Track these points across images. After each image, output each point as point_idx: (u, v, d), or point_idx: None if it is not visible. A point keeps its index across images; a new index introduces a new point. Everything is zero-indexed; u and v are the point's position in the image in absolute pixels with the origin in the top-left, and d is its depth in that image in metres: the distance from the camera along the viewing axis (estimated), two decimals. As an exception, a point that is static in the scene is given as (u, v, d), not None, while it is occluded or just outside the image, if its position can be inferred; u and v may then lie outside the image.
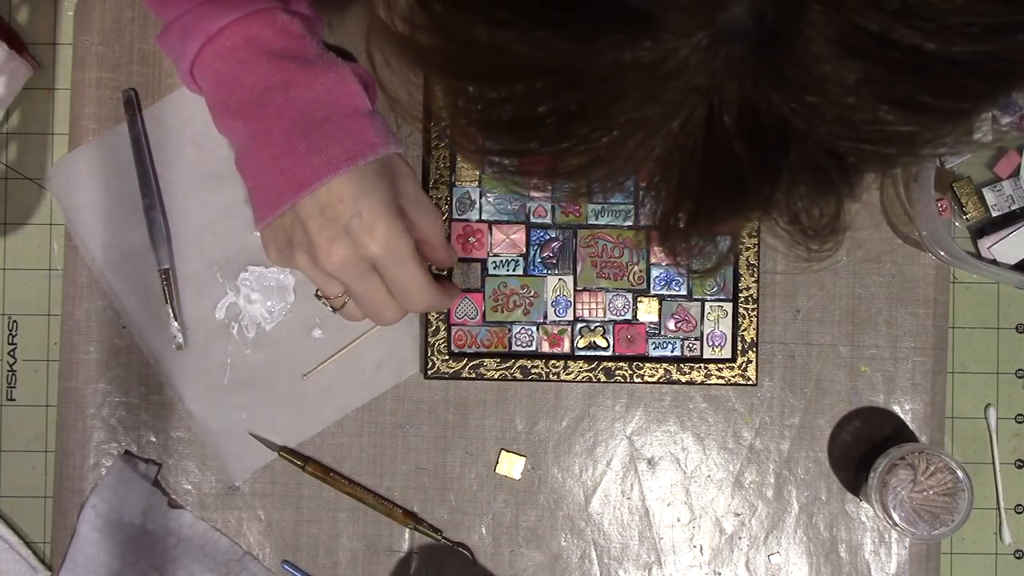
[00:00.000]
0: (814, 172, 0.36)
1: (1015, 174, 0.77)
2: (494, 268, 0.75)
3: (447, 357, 0.74)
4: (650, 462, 0.76)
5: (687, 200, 0.38)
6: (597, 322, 0.75)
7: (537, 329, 0.75)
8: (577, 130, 0.36)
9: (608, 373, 0.74)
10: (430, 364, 0.74)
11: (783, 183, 0.36)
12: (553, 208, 0.75)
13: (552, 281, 0.75)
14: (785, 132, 0.34)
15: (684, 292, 0.75)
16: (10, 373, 0.77)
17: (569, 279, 0.75)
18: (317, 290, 0.69)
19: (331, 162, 0.61)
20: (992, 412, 0.78)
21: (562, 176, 0.39)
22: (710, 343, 0.75)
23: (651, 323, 0.75)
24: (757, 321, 0.75)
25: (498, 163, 0.40)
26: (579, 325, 0.75)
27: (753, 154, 0.35)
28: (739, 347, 0.74)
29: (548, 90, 0.35)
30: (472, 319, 0.75)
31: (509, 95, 0.36)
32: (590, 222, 0.75)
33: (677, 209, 0.39)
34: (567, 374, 0.74)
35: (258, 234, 0.75)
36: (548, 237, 0.75)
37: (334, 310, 0.68)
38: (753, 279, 0.75)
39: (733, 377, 0.74)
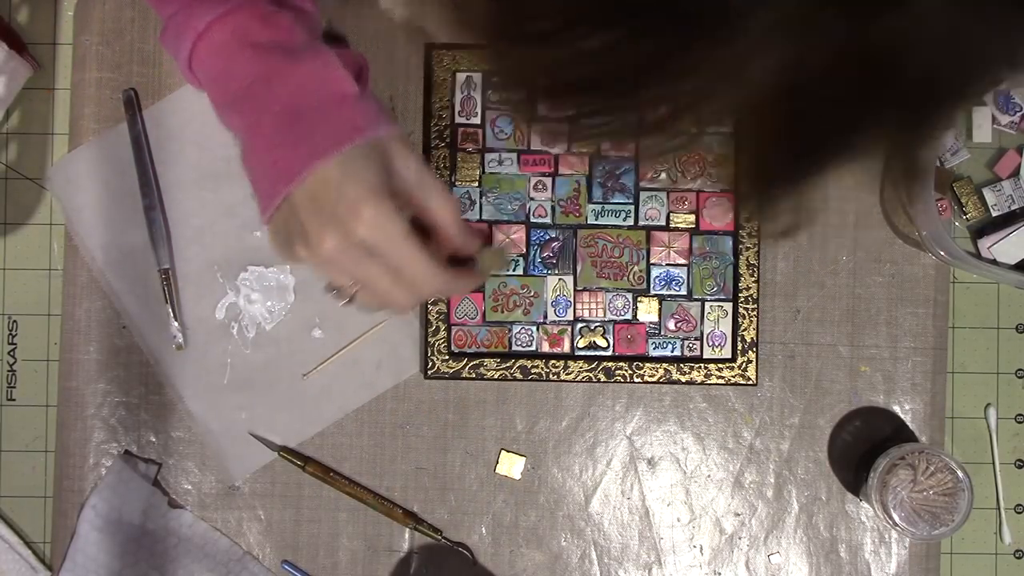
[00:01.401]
0: (906, 108, 0.35)
1: (1015, 174, 0.77)
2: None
3: (447, 357, 0.74)
4: (650, 462, 0.76)
5: (770, 150, 0.37)
6: (597, 322, 0.75)
7: (537, 329, 0.75)
8: (660, 79, 0.34)
9: (608, 373, 0.74)
10: (430, 364, 0.74)
11: (874, 124, 0.35)
12: (553, 208, 0.75)
13: (552, 281, 0.75)
14: (877, 65, 0.33)
15: (684, 292, 0.75)
16: (10, 373, 0.77)
17: (569, 279, 0.75)
18: (327, 283, 0.67)
19: (316, 150, 0.59)
20: (992, 412, 0.78)
21: (647, 132, 0.37)
22: (710, 343, 0.75)
23: (651, 323, 0.75)
24: (757, 321, 0.75)
25: (587, 126, 0.38)
26: (579, 325, 0.75)
27: (842, 92, 0.33)
28: (739, 347, 0.74)
29: (630, 38, 0.33)
30: (472, 319, 0.75)
31: (584, 51, 0.34)
32: (590, 222, 0.75)
33: (761, 158, 0.37)
34: (567, 374, 0.74)
35: (259, 233, 0.75)
36: (548, 237, 0.75)
37: (348, 302, 0.66)
38: (753, 279, 0.75)
39: (733, 377, 0.74)
